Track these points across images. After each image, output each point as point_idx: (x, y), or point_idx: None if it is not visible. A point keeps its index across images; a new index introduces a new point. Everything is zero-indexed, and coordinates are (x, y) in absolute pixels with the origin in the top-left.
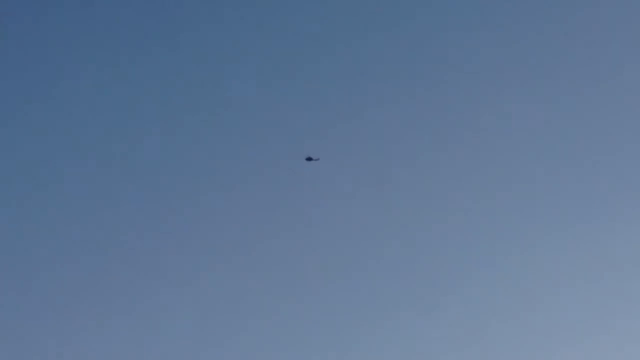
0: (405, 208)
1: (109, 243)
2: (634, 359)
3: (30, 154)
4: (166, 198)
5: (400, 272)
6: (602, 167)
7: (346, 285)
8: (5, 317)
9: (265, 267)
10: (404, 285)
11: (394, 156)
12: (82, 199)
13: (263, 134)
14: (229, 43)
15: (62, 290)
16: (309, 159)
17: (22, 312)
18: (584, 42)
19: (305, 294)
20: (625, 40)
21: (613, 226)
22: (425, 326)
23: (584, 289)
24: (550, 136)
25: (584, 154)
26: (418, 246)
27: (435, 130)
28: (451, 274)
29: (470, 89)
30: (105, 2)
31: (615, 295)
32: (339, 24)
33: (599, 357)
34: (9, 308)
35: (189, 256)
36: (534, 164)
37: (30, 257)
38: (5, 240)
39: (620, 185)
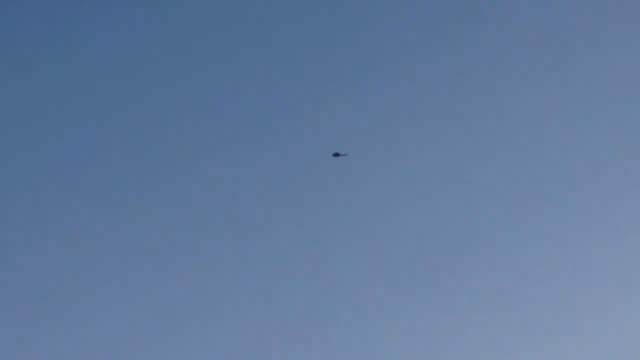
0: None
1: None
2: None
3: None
4: (185, 202)
5: (401, 265)
6: (600, 163)
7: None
8: None
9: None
10: (405, 277)
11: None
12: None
13: (288, 126)
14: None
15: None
16: (337, 154)
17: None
18: (583, 40)
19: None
20: (624, 41)
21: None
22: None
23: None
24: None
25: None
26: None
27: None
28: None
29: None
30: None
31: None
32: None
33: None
34: None
35: (201, 256)
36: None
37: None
38: None
39: (619, 182)
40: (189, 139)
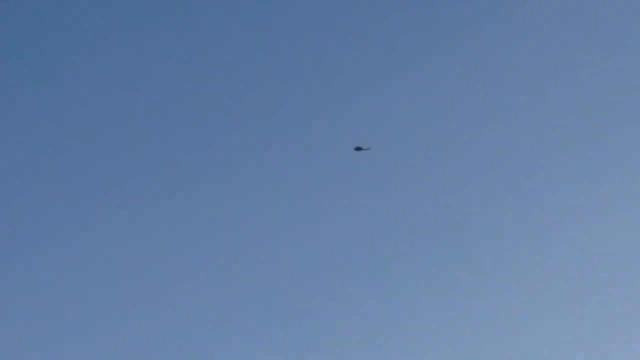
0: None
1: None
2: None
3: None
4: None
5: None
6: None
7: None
8: None
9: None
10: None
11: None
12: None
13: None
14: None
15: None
16: (359, 148)
17: None
18: (583, 41)
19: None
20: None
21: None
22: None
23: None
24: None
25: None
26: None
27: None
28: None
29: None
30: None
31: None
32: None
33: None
34: None
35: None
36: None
37: None
38: None
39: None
40: (193, 137)
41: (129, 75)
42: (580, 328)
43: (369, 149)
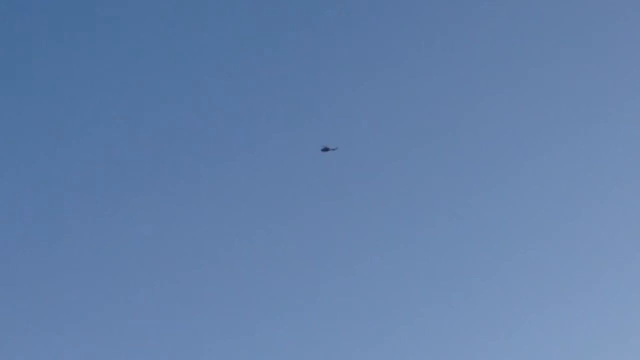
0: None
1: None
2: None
3: None
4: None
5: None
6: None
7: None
8: None
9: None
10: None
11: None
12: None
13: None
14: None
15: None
16: (326, 149)
17: None
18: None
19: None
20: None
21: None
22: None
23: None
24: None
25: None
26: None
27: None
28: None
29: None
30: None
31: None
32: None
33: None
34: None
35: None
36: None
37: None
38: None
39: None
40: (185, 139)
41: (122, 72)
42: (579, 328)
43: (336, 149)
